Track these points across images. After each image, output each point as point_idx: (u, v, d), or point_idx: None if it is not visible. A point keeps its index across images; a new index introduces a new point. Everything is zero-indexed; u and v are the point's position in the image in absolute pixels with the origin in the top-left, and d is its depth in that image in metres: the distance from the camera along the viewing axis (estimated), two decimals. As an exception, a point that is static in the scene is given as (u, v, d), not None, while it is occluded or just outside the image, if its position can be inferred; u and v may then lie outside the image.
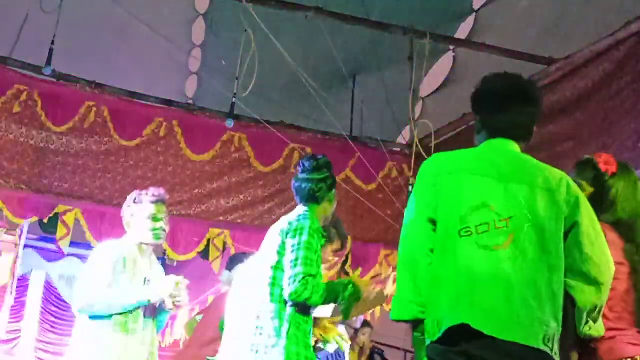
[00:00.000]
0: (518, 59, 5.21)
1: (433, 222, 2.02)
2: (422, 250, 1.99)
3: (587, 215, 2.07)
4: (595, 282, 2.04)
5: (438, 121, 5.95)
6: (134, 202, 3.36)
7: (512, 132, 2.15)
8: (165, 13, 5.61)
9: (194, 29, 5.89)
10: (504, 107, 2.14)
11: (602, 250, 2.06)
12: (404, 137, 6.54)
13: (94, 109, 5.46)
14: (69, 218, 5.33)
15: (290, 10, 5.00)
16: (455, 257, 1.95)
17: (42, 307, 10.85)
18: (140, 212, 3.30)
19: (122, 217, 3.33)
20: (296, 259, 2.61)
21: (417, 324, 2.00)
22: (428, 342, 1.96)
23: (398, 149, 6.56)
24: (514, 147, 2.15)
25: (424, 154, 5.23)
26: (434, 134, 5.67)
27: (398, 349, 8.02)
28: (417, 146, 5.23)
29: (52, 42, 4.98)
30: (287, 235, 2.70)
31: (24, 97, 5.25)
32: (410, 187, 5.14)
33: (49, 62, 5.01)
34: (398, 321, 2.04)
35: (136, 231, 3.29)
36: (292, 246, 2.66)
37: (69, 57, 5.29)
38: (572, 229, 2.04)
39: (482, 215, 1.97)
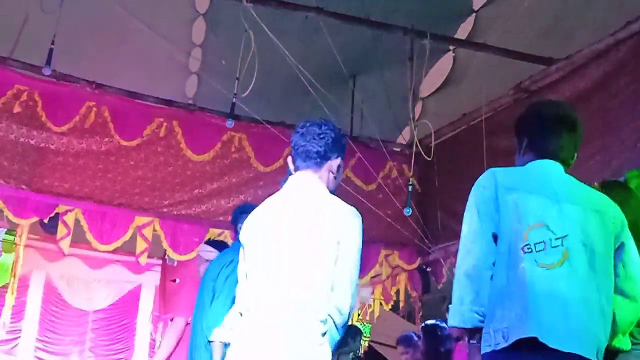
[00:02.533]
0: (518, 59, 5.22)
1: (495, 237, 2.13)
2: (486, 264, 2.10)
3: (631, 236, 2.24)
4: (634, 299, 2.20)
5: (438, 121, 5.96)
6: None
7: (560, 156, 2.29)
8: (165, 13, 5.60)
9: (194, 28, 5.88)
10: (555, 133, 2.29)
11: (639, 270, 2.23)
12: (404, 137, 6.54)
13: (94, 109, 5.46)
14: (70, 218, 5.33)
15: (290, 10, 5.00)
16: (519, 273, 2.06)
17: (43, 307, 10.85)
18: None
19: None
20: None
21: (474, 332, 2.14)
22: (487, 349, 2.08)
23: (398, 149, 6.56)
24: (562, 169, 2.29)
25: (424, 154, 5.23)
26: (434, 134, 5.68)
27: (396, 347, 8.01)
28: (417, 146, 5.23)
29: (52, 42, 4.98)
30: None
31: (24, 97, 5.26)
32: (410, 187, 5.15)
33: (49, 62, 5.01)
34: (458, 328, 2.17)
35: None
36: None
37: (69, 57, 5.29)
38: (618, 249, 2.20)
39: (540, 234, 2.09)
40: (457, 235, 6.28)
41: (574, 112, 2.37)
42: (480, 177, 2.27)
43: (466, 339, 2.19)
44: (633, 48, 4.33)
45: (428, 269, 6.38)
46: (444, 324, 4.96)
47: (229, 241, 5.69)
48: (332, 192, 2.60)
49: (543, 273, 2.05)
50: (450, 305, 2.19)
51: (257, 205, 2.69)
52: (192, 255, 5.69)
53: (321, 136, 2.64)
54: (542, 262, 2.06)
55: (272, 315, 2.28)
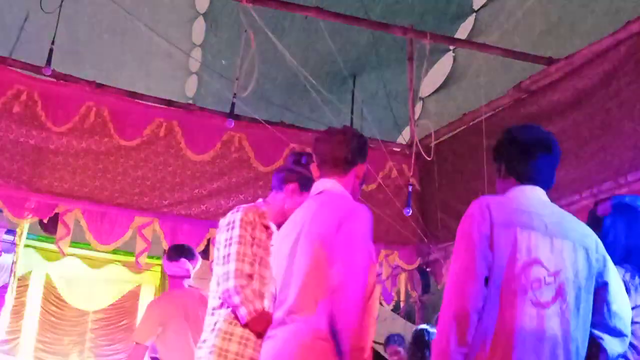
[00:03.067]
0: (518, 59, 5.22)
1: (487, 280, 2.12)
2: (476, 308, 2.08)
3: (614, 274, 2.25)
4: (621, 335, 2.23)
5: (438, 121, 5.96)
6: None
7: (539, 179, 2.31)
8: (165, 13, 5.61)
9: (194, 29, 5.89)
10: (532, 156, 2.31)
11: (626, 305, 2.26)
12: (404, 137, 6.54)
13: (94, 109, 5.46)
14: (69, 218, 5.33)
15: (290, 10, 5.00)
16: (509, 315, 2.07)
17: (42, 307, 10.85)
18: None
19: None
20: None
21: None
22: None
23: (398, 149, 6.56)
24: (544, 195, 2.31)
25: (424, 154, 5.23)
26: (434, 134, 5.68)
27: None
28: (417, 146, 5.23)
29: (52, 42, 4.98)
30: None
31: (24, 97, 5.25)
32: (410, 187, 5.15)
33: (49, 62, 5.01)
34: None
35: None
36: None
37: (69, 57, 5.30)
38: (601, 287, 2.21)
39: (535, 271, 2.09)
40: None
41: (549, 135, 2.40)
42: (473, 207, 2.24)
43: None
44: (633, 48, 4.33)
45: (428, 269, 6.38)
46: (433, 329, 5.02)
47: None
48: (356, 196, 2.64)
49: (536, 313, 2.07)
50: (434, 340, 2.17)
51: None
52: (192, 255, 5.68)
53: (347, 142, 2.61)
54: (537, 300, 2.08)
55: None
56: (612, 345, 2.22)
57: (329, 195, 2.52)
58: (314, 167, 2.67)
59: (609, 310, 2.20)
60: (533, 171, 2.31)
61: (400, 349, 5.15)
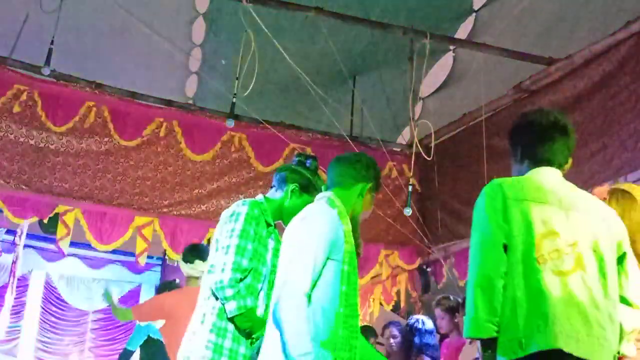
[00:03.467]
0: (518, 59, 5.21)
1: (505, 247, 2.16)
2: (498, 274, 2.13)
3: (629, 246, 2.30)
4: (638, 306, 2.25)
5: (438, 121, 5.95)
6: None
7: (555, 161, 2.36)
8: (165, 13, 5.60)
9: (194, 28, 5.88)
10: (548, 139, 2.37)
11: None
12: (404, 137, 6.54)
13: (94, 109, 5.46)
14: (69, 218, 5.33)
15: (290, 10, 5.00)
16: (534, 282, 2.10)
17: (42, 307, 10.86)
18: None
19: None
20: None
21: (489, 342, 2.15)
22: (502, 359, 2.11)
23: (398, 149, 6.56)
24: (560, 175, 2.35)
25: (424, 154, 5.23)
26: (434, 134, 5.68)
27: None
28: (417, 146, 5.23)
29: (52, 42, 4.98)
30: None
31: (24, 97, 5.25)
32: (410, 187, 5.15)
33: (48, 62, 5.01)
34: (473, 338, 2.25)
35: None
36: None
37: (69, 57, 5.29)
38: (621, 257, 2.26)
39: (552, 242, 2.14)
40: (457, 235, 6.30)
41: (565, 117, 2.44)
42: (486, 188, 2.31)
43: (479, 349, 2.20)
44: (633, 48, 4.33)
45: (428, 269, 6.38)
46: (428, 319, 5.07)
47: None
48: (355, 217, 2.68)
49: (559, 281, 2.09)
50: (464, 316, 2.21)
51: None
52: (192, 255, 5.68)
53: (357, 162, 2.77)
54: (557, 269, 2.10)
55: None
56: (629, 316, 2.22)
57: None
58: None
59: (627, 280, 2.25)
60: (548, 153, 2.35)
61: (398, 334, 5.19)
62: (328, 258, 2.36)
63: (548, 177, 2.32)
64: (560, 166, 2.37)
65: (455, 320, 4.73)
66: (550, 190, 2.26)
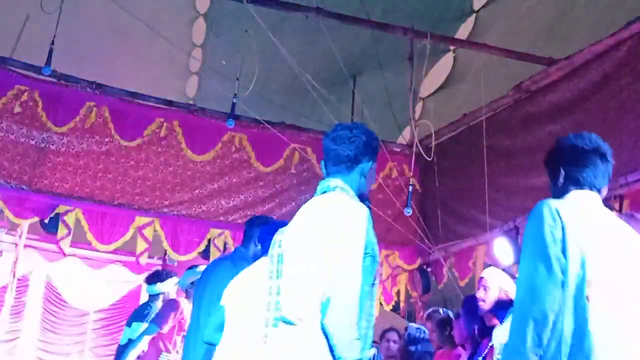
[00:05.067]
0: (518, 59, 5.22)
1: (563, 283, 2.17)
2: (554, 311, 2.15)
3: None
4: None
5: (438, 121, 5.96)
6: None
7: (596, 185, 2.39)
8: (165, 13, 5.60)
9: (195, 29, 5.88)
10: (591, 163, 2.40)
11: None
12: (404, 138, 6.54)
13: (95, 109, 5.47)
14: (70, 218, 5.34)
15: (290, 11, 5.00)
16: (581, 320, 2.13)
17: (43, 307, 10.85)
18: None
19: None
20: None
21: None
22: None
23: (398, 149, 6.56)
24: (600, 200, 2.39)
25: (424, 154, 5.24)
26: (434, 134, 5.68)
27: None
28: (417, 146, 5.23)
29: (52, 42, 4.98)
30: None
31: (24, 97, 5.26)
32: (410, 187, 5.15)
33: (48, 63, 5.02)
34: None
35: None
36: None
37: (70, 58, 5.29)
38: None
39: (603, 279, 2.16)
40: (457, 235, 6.29)
41: (605, 143, 2.47)
42: (541, 210, 2.25)
43: None
44: (633, 48, 4.33)
45: (428, 269, 6.38)
46: (425, 328, 5.07)
47: (230, 242, 5.70)
48: (364, 195, 2.58)
49: (606, 317, 2.13)
50: (507, 343, 2.22)
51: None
52: (193, 255, 5.69)
53: (352, 139, 2.56)
54: (604, 306, 2.14)
55: None
56: None
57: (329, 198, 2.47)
58: (321, 164, 2.63)
59: None
60: (591, 178, 2.39)
61: (397, 339, 5.19)
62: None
63: (593, 204, 2.36)
64: (599, 192, 2.40)
65: (446, 334, 4.72)
66: (599, 219, 2.31)
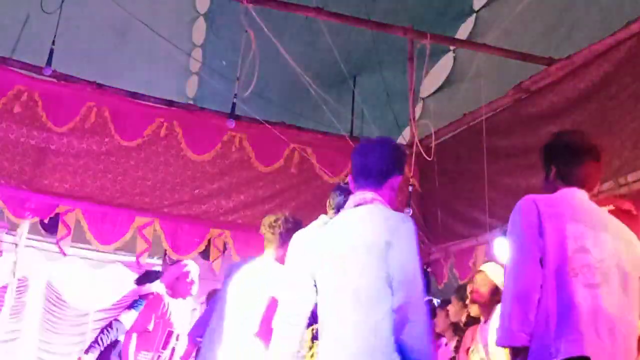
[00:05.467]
0: (518, 59, 5.22)
1: (541, 261, 2.29)
2: (535, 287, 2.26)
3: None
4: None
5: (438, 121, 5.96)
6: None
7: (586, 184, 2.49)
8: (165, 13, 5.61)
9: (195, 29, 5.90)
10: (582, 162, 2.50)
11: None
12: (404, 138, 6.54)
13: (95, 109, 5.46)
14: (70, 218, 5.33)
15: (290, 11, 5.00)
16: (566, 294, 2.24)
17: (43, 307, 10.85)
18: None
19: None
20: None
21: (519, 351, 2.27)
22: None
23: (398, 149, 6.55)
24: (587, 197, 2.49)
25: (424, 154, 5.24)
26: (434, 134, 5.68)
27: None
28: (417, 146, 5.24)
29: (53, 42, 4.99)
30: None
31: (24, 97, 5.26)
32: (410, 187, 5.15)
33: (49, 63, 5.02)
34: (505, 347, 2.34)
35: None
36: None
37: (70, 58, 5.30)
38: None
39: (583, 258, 2.28)
40: (457, 235, 6.28)
41: (597, 143, 2.59)
42: (520, 204, 2.41)
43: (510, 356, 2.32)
44: (633, 48, 4.33)
45: (429, 269, 6.38)
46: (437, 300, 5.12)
47: (230, 241, 5.71)
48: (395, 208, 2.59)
49: (588, 293, 2.23)
50: (497, 326, 2.32)
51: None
52: (193, 255, 5.69)
53: (382, 153, 2.58)
54: (588, 282, 2.24)
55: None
56: None
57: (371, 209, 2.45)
58: (349, 178, 2.64)
59: None
60: (581, 176, 2.48)
61: None
62: None
63: (579, 198, 2.45)
64: (589, 190, 2.49)
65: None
66: (582, 209, 2.40)
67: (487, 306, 3.99)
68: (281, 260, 3.65)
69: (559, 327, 2.20)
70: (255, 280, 3.73)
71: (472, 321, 4.33)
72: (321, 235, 2.52)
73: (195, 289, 4.97)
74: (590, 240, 2.31)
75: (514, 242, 2.36)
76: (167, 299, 4.82)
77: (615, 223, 2.46)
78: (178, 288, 4.86)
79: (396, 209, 2.56)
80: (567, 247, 2.27)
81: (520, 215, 2.37)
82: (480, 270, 4.17)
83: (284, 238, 3.73)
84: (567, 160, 2.50)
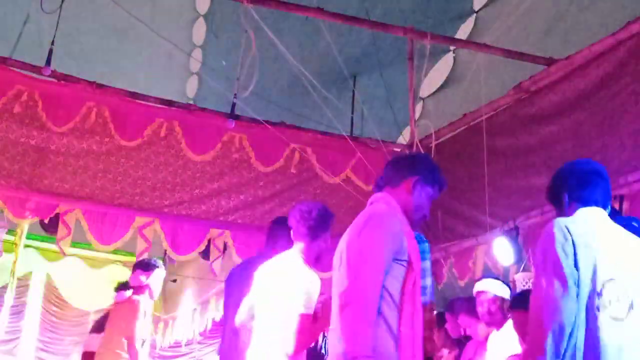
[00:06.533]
0: (518, 59, 5.23)
1: (577, 295, 2.28)
2: (571, 323, 2.25)
3: None
4: None
5: (438, 121, 5.96)
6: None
7: (600, 203, 2.52)
8: (165, 14, 5.62)
9: (195, 29, 5.90)
10: (592, 183, 2.54)
11: None
12: (404, 138, 6.55)
13: (95, 109, 5.46)
14: (70, 218, 5.34)
15: (290, 11, 5.01)
16: (594, 329, 2.24)
17: (43, 307, 10.86)
18: None
19: None
20: None
21: None
22: None
23: (398, 149, 6.56)
24: (605, 215, 2.51)
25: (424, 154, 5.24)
26: (434, 134, 5.68)
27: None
28: (417, 146, 5.24)
29: (52, 42, 4.99)
30: None
31: (24, 97, 5.26)
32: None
33: (48, 63, 5.02)
34: None
35: None
36: None
37: (70, 58, 5.31)
38: None
39: (612, 288, 2.28)
40: (457, 235, 6.27)
41: (600, 164, 2.63)
42: (551, 228, 2.37)
43: None
44: (633, 48, 4.33)
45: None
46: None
47: (230, 241, 5.71)
48: (410, 210, 2.86)
49: (615, 328, 2.24)
50: (525, 356, 2.37)
51: None
52: (193, 255, 5.70)
53: (404, 160, 2.99)
54: (615, 315, 2.25)
55: None
56: None
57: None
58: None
59: None
60: (595, 196, 2.52)
61: None
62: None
63: (600, 220, 2.45)
64: (604, 208, 2.51)
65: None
66: (608, 235, 2.39)
67: (499, 319, 4.06)
68: (309, 259, 3.32)
69: None
70: (283, 288, 3.20)
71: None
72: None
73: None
74: (617, 269, 2.31)
75: (551, 272, 2.30)
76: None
77: (635, 244, 2.45)
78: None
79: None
80: (597, 281, 2.27)
81: (555, 242, 2.32)
82: (482, 291, 4.19)
83: (316, 232, 3.36)
84: (577, 183, 2.54)
